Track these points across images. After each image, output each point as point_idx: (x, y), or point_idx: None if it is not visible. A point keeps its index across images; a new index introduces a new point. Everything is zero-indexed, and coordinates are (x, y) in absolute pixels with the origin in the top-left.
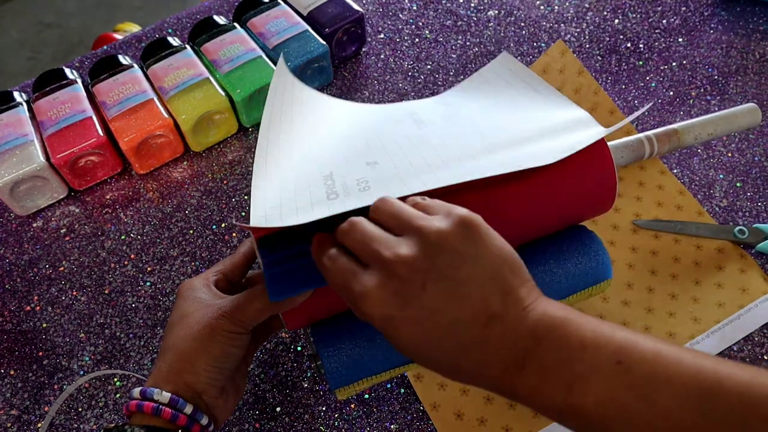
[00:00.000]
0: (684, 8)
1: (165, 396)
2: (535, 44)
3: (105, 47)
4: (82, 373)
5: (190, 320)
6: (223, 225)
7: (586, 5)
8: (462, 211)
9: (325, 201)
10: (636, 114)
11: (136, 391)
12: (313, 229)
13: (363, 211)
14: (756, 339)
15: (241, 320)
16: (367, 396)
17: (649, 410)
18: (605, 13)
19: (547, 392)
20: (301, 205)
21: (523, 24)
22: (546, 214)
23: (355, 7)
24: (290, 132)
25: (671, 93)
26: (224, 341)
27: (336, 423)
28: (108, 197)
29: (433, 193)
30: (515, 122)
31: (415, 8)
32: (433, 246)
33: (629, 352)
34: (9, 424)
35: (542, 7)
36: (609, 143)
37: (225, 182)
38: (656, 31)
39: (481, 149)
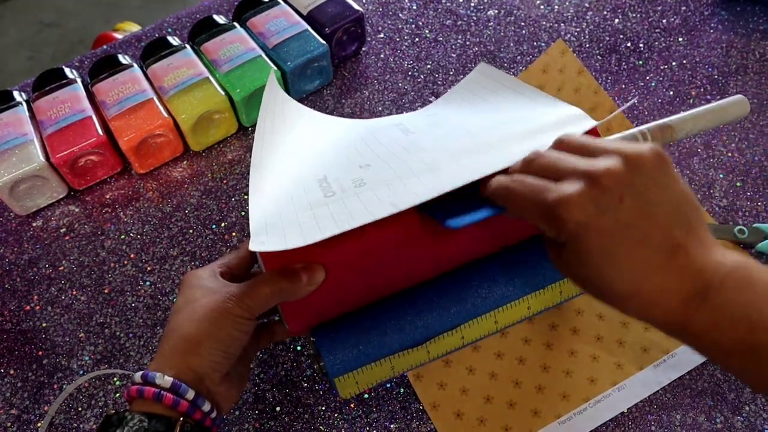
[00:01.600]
0: (684, 8)
1: (167, 380)
2: (534, 44)
3: (105, 47)
4: (81, 372)
5: (196, 305)
6: (222, 224)
7: (586, 5)
8: (655, 144)
9: (323, 199)
10: (626, 105)
11: (138, 376)
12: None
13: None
14: None
15: (248, 305)
16: (366, 396)
17: None
18: (605, 12)
19: (726, 329)
20: (299, 206)
21: (522, 23)
22: None
23: (355, 6)
24: (281, 147)
25: (671, 93)
26: (230, 325)
27: (336, 422)
28: (108, 197)
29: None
30: (504, 122)
31: (414, 8)
32: (633, 164)
33: None
34: (9, 424)
35: (542, 7)
36: (605, 139)
37: (225, 182)
38: (656, 30)
39: (472, 147)
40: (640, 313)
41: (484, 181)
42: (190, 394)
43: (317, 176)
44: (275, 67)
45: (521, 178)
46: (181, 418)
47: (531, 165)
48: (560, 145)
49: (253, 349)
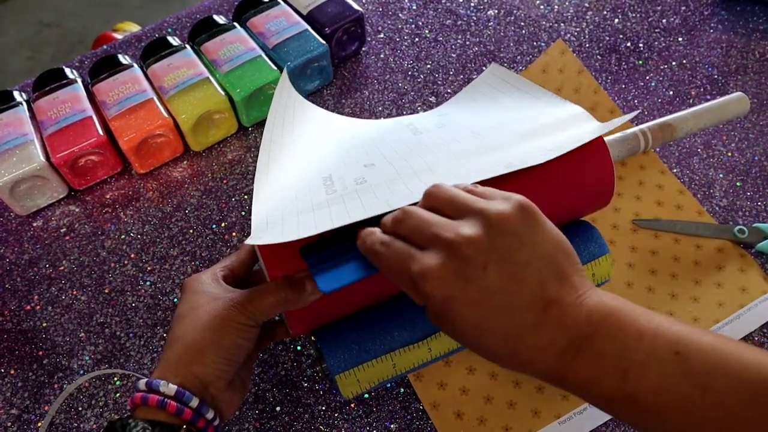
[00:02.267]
0: (684, 8)
1: (171, 388)
2: (534, 44)
3: (105, 47)
4: (82, 372)
5: (200, 311)
6: (223, 224)
7: (586, 5)
8: (520, 196)
9: (324, 197)
10: (633, 113)
11: (142, 383)
12: (342, 230)
13: (371, 221)
14: (756, 339)
15: (252, 313)
16: (366, 396)
17: (706, 399)
18: (605, 12)
19: (602, 379)
20: (302, 207)
21: (522, 23)
22: (545, 210)
23: (355, 6)
24: (291, 147)
25: (671, 92)
26: (235, 333)
27: (336, 422)
28: (108, 197)
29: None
30: (510, 123)
31: (414, 8)
32: (495, 227)
33: (687, 342)
34: (9, 424)
35: (542, 7)
36: (606, 138)
37: (225, 182)
38: (656, 30)
39: (478, 149)
40: (520, 369)
41: (361, 232)
42: (194, 402)
43: (323, 174)
44: (275, 67)
45: (389, 241)
46: (184, 426)
47: (400, 226)
48: (428, 199)
49: (255, 353)
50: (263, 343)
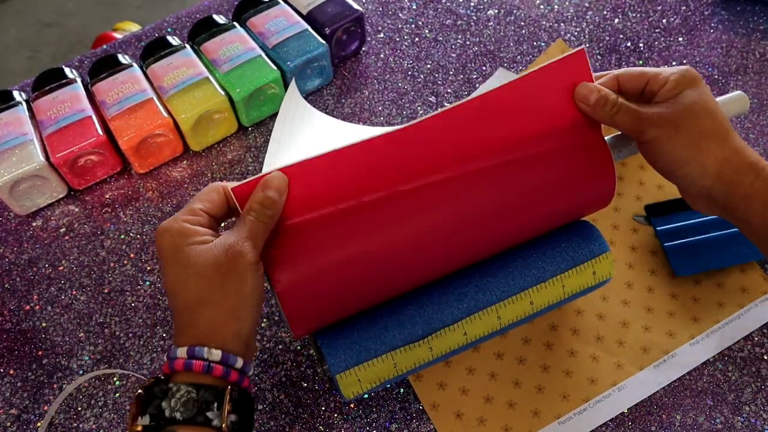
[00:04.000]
0: (684, 7)
1: (216, 354)
2: (534, 43)
3: (104, 46)
4: (81, 372)
5: (204, 268)
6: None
7: (586, 4)
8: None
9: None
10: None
11: (182, 350)
12: None
13: None
14: (756, 339)
15: (255, 245)
16: (366, 396)
17: None
18: (605, 12)
19: None
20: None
21: (522, 23)
22: (546, 209)
23: (355, 6)
24: (296, 155)
25: None
26: (252, 276)
27: (336, 423)
28: (107, 196)
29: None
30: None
31: (414, 7)
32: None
33: None
34: (8, 424)
35: (542, 6)
36: (606, 137)
37: (225, 182)
38: (656, 30)
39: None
40: (692, 178)
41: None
42: (239, 363)
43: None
44: (275, 67)
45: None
46: (229, 387)
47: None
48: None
49: None
50: None
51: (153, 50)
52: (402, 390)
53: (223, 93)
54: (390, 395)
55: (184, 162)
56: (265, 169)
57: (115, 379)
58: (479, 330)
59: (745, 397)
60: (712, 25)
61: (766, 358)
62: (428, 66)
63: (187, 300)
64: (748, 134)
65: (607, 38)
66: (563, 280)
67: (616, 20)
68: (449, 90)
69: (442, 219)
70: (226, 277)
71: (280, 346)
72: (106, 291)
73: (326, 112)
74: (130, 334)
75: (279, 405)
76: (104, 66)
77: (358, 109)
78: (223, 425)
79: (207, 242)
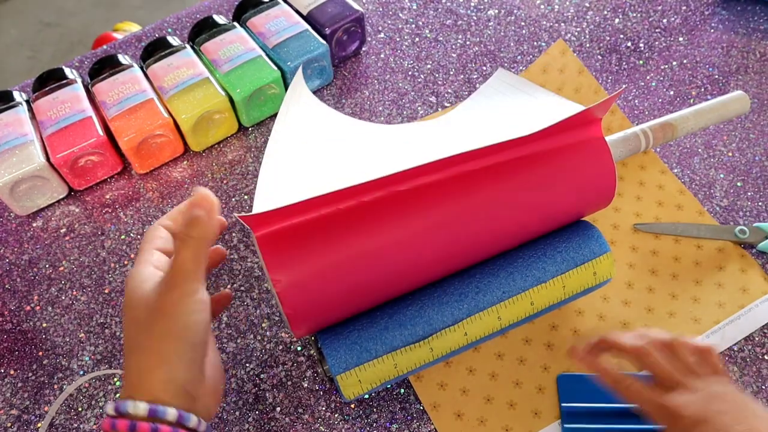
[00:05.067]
0: (684, 7)
1: (141, 408)
2: (535, 43)
3: (105, 47)
4: (82, 372)
5: (138, 312)
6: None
7: (587, 4)
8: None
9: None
10: (619, 92)
11: (110, 407)
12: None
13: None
14: (756, 339)
15: (186, 276)
16: (366, 396)
17: None
18: (605, 12)
19: None
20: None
21: (523, 23)
22: (547, 209)
23: (355, 6)
24: (300, 148)
25: (671, 92)
26: (181, 311)
27: (336, 423)
28: (108, 197)
29: (449, 187)
30: (515, 123)
31: (415, 7)
32: None
33: None
34: (9, 424)
35: (542, 7)
36: (606, 138)
37: (225, 182)
38: (656, 30)
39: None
40: None
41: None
42: (171, 415)
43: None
44: (275, 67)
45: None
46: None
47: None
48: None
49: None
50: (214, 314)
51: (153, 50)
52: (402, 390)
53: (223, 93)
54: (390, 395)
55: (185, 162)
56: (264, 165)
57: (115, 379)
58: (480, 330)
59: None
60: (713, 25)
61: (766, 358)
62: (428, 66)
63: (126, 346)
64: (749, 134)
65: (608, 38)
66: (564, 280)
67: (617, 20)
68: (449, 90)
69: (443, 219)
70: (153, 316)
71: (280, 346)
72: (106, 291)
73: None
74: None
75: (279, 405)
76: (104, 66)
77: (359, 110)
78: None
79: (150, 280)
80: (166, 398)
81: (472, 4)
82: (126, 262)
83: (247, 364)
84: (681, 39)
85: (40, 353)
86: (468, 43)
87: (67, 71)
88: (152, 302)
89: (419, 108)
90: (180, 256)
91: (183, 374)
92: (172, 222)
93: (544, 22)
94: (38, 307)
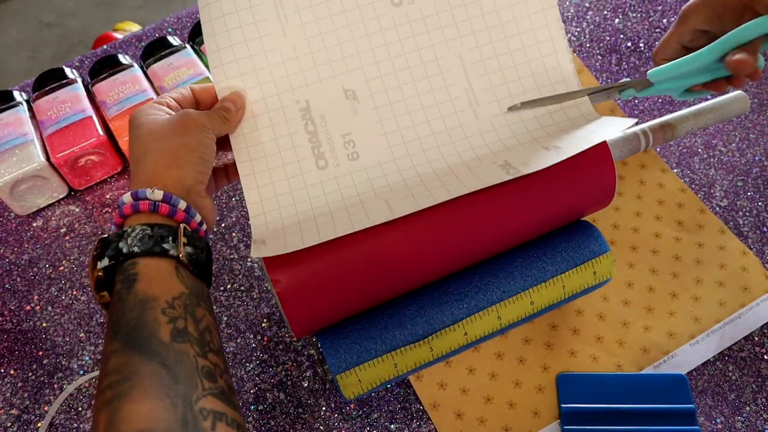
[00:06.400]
0: None
1: (158, 193)
2: None
3: (105, 46)
4: (82, 372)
5: (157, 126)
6: (222, 225)
7: (587, 4)
8: None
9: (316, 170)
10: (633, 121)
11: (126, 196)
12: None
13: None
14: (756, 338)
15: (211, 120)
16: (366, 396)
17: None
18: (605, 12)
19: None
20: (296, 192)
21: None
22: (547, 209)
23: None
24: (246, 46)
25: None
26: (199, 132)
27: (336, 423)
28: (108, 197)
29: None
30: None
31: None
32: None
33: None
34: (9, 424)
35: None
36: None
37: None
38: (656, 30)
39: (473, 124)
40: None
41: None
42: (183, 205)
43: (299, 104)
44: None
45: None
46: (181, 225)
47: None
48: None
49: (216, 186)
50: (220, 184)
51: (153, 50)
52: (402, 390)
53: None
54: (390, 395)
55: None
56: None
57: None
58: (480, 330)
59: (745, 397)
60: None
61: (766, 358)
62: None
63: (138, 153)
64: (749, 134)
65: (608, 38)
66: (564, 280)
67: (617, 20)
68: None
69: (442, 219)
70: (173, 131)
71: (281, 346)
72: None
73: None
74: None
75: (279, 405)
76: (105, 66)
77: None
78: (180, 254)
79: (161, 112)
80: (176, 192)
81: None
82: None
83: (247, 364)
84: None
85: (40, 353)
86: None
87: (68, 71)
88: (175, 123)
89: None
90: (213, 114)
91: (191, 180)
92: (178, 95)
93: None
94: (38, 307)
